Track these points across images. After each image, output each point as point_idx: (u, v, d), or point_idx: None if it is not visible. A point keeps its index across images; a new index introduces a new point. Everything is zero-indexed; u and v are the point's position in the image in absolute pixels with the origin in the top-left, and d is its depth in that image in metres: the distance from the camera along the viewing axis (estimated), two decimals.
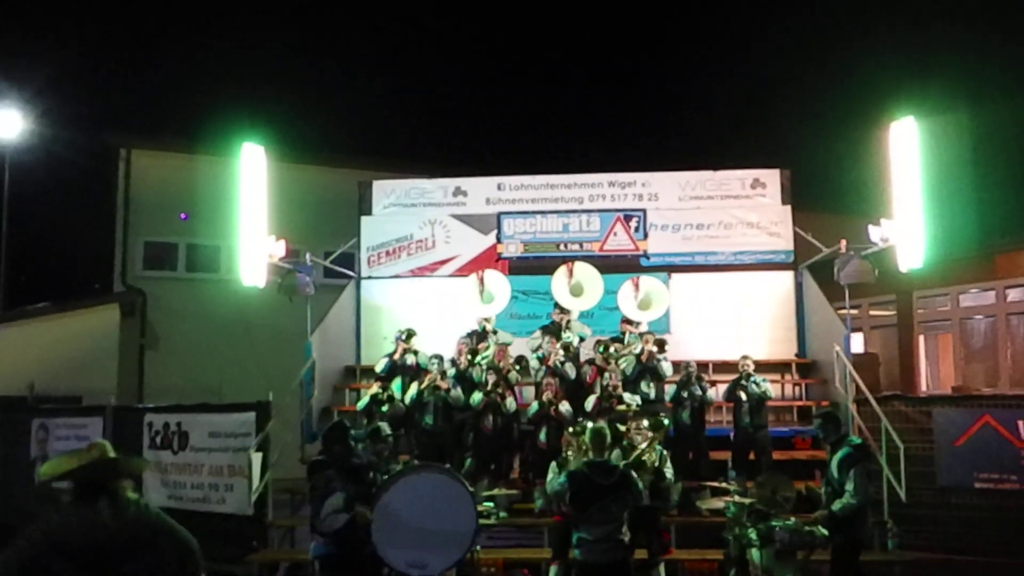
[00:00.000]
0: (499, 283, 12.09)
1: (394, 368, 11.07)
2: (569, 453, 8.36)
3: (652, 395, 10.46)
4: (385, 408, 10.42)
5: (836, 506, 7.10)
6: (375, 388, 10.66)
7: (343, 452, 6.26)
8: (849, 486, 7.05)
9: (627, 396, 9.98)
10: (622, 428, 8.66)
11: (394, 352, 11.21)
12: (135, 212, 17.86)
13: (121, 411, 12.53)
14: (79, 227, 21.86)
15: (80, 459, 3.63)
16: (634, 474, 6.49)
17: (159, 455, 11.57)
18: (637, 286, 11.85)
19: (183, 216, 17.84)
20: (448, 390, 10.41)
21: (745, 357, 10.73)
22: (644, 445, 8.33)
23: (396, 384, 10.85)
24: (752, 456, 10.36)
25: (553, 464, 8.43)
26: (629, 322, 11.64)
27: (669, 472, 8.53)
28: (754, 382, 10.47)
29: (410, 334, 11.37)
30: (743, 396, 10.40)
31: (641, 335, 11.14)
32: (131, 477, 3.70)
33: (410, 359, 11.14)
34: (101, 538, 3.35)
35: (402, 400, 10.66)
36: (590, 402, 10.01)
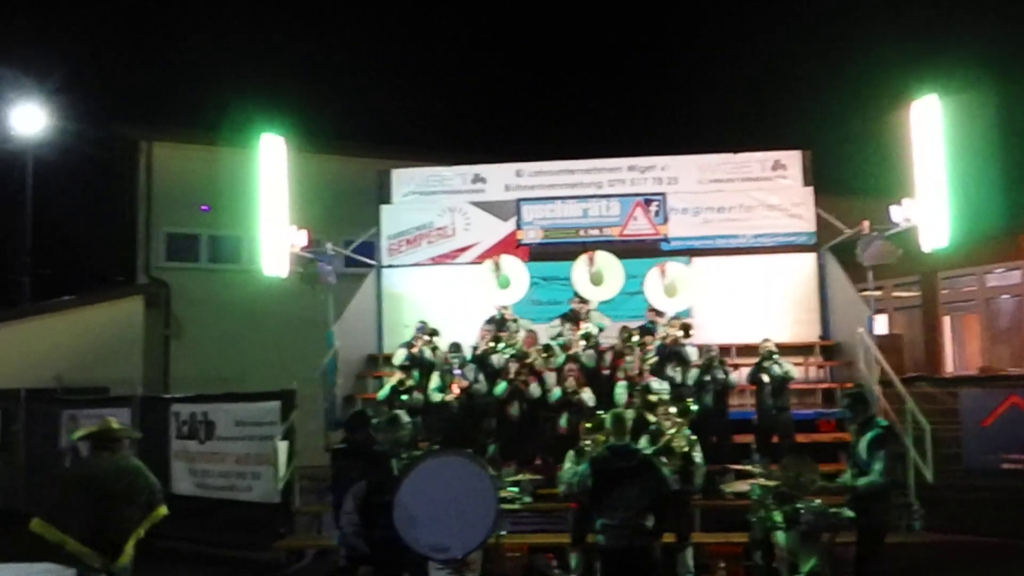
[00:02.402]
0: (516, 268, 12.06)
1: (412, 360, 11.10)
2: (587, 442, 8.36)
3: (678, 379, 10.42)
4: (406, 397, 10.47)
5: (861, 482, 7.07)
6: (396, 378, 10.70)
7: (365, 440, 6.32)
8: (877, 466, 7.01)
9: (655, 385, 9.94)
10: (652, 419, 8.64)
11: (412, 344, 11.21)
12: (157, 204, 17.99)
13: (148, 401, 12.70)
14: (102, 220, 22.00)
15: (95, 428, 6.36)
16: (658, 460, 6.48)
17: (186, 444, 11.72)
18: (664, 272, 11.77)
19: (204, 207, 17.95)
20: (468, 387, 10.39)
21: (766, 339, 10.68)
22: (673, 431, 8.32)
23: (415, 376, 10.88)
24: (775, 439, 10.33)
25: (570, 452, 8.44)
26: (657, 312, 11.57)
27: (698, 456, 8.51)
28: (776, 363, 10.42)
29: (434, 332, 11.37)
30: (765, 378, 10.36)
31: (668, 322, 11.11)
32: (127, 439, 6.59)
33: (428, 354, 11.16)
34: (105, 472, 6.09)
35: (424, 392, 10.70)
36: (622, 397, 9.94)
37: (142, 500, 6.17)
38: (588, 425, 8.53)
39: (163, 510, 6.32)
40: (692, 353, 10.63)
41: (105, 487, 6.00)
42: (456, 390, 10.36)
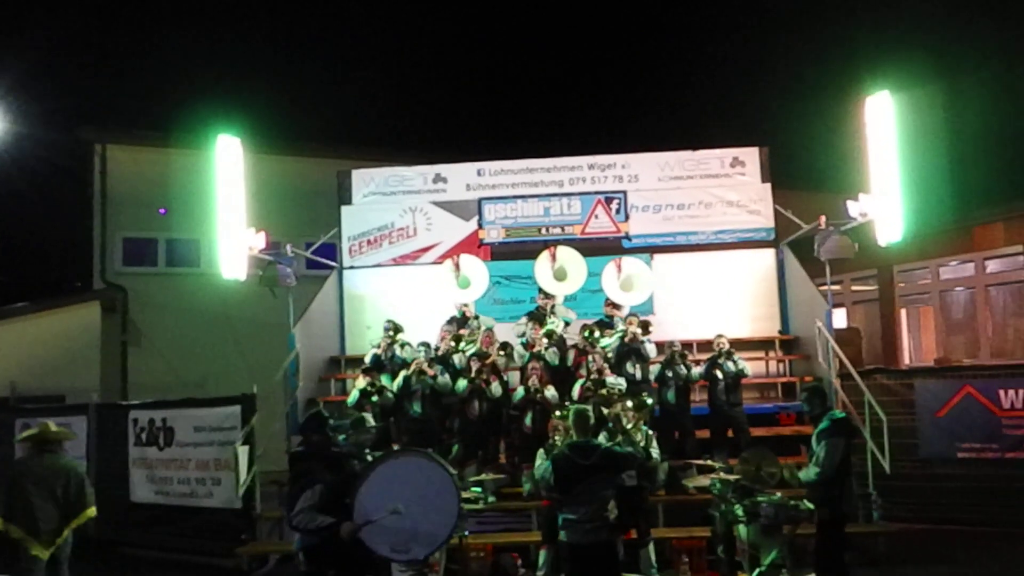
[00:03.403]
0: (475, 267, 12.06)
1: (380, 361, 11.06)
2: (556, 438, 8.39)
3: (638, 376, 10.49)
4: (375, 399, 10.41)
5: (802, 474, 7.16)
6: (363, 382, 10.64)
7: (322, 442, 6.23)
8: (813, 459, 7.09)
9: (611, 379, 10.00)
10: (607, 411, 8.69)
11: (379, 345, 11.20)
12: (113, 208, 17.66)
13: (105, 408, 12.50)
14: (57, 225, 21.60)
15: (35, 431, 7.36)
16: (621, 447, 6.51)
17: (145, 451, 11.54)
18: (620, 268, 11.86)
19: (162, 211, 17.67)
20: (435, 376, 10.43)
21: (720, 336, 10.78)
22: (630, 426, 8.37)
23: (386, 377, 10.84)
24: (730, 434, 10.44)
25: (540, 451, 8.46)
26: (615, 306, 11.65)
27: (655, 452, 8.58)
28: (731, 360, 10.52)
29: (397, 328, 11.36)
30: (719, 374, 10.46)
31: (626, 318, 11.18)
32: (63, 440, 7.52)
33: (397, 351, 11.13)
34: (45, 470, 7.16)
35: (390, 390, 10.66)
36: (576, 390, 10.01)
37: (83, 497, 7.26)
38: (558, 414, 8.57)
39: (93, 511, 7.36)
40: (651, 350, 10.72)
41: (45, 484, 7.10)
42: (415, 367, 10.37)
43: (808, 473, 7.06)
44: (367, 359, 11.15)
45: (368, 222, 13.74)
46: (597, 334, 10.79)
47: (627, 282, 11.71)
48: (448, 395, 10.52)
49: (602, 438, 8.13)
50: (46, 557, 7.08)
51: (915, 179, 11.60)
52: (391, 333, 11.30)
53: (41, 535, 7.03)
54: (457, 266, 11.99)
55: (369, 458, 6.49)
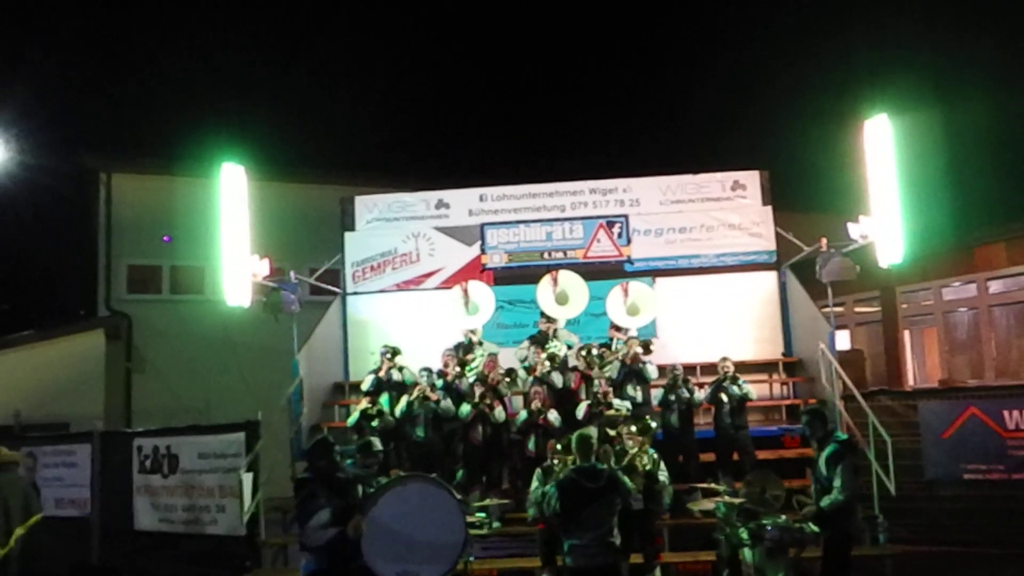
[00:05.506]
0: (483, 294, 12.11)
1: (380, 385, 11.08)
2: (555, 461, 8.38)
3: (639, 398, 10.51)
4: (375, 423, 10.42)
5: (824, 502, 7.15)
6: (364, 404, 10.67)
7: (328, 467, 6.25)
8: (837, 482, 7.11)
9: (617, 401, 10.01)
10: (612, 433, 8.69)
11: (379, 369, 11.23)
12: (117, 236, 17.75)
13: (109, 436, 12.49)
14: (61, 253, 21.69)
15: None
16: (621, 475, 6.52)
17: (149, 479, 11.53)
18: (626, 292, 11.90)
19: (166, 238, 17.74)
20: (438, 401, 10.44)
21: (725, 359, 10.79)
22: (635, 449, 8.37)
23: (384, 400, 10.86)
24: (736, 457, 10.42)
25: (538, 471, 8.44)
26: (618, 328, 11.68)
27: (663, 475, 8.56)
28: (736, 384, 10.53)
29: (395, 352, 11.40)
30: (724, 398, 10.46)
31: (627, 340, 11.20)
32: (16, 462, 9.02)
33: (396, 375, 11.16)
34: (6, 487, 8.51)
35: (392, 413, 10.67)
36: (581, 409, 10.02)
37: (30, 508, 8.67)
38: (559, 446, 8.56)
39: (39, 516, 8.79)
40: (652, 371, 10.73)
41: (6, 498, 8.45)
42: (418, 392, 10.43)
43: (833, 497, 7.09)
44: (366, 384, 11.14)
45: (371, 248, 13.81)
46: (596, 352, 10.82)
47: (633, 307, 11.74)
48: (451, 420, 10.53)
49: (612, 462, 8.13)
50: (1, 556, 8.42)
51: (916, 200, 11.64)
52: (388, 356, 11.32)
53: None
54: (466, 292, 12.04)
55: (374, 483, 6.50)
